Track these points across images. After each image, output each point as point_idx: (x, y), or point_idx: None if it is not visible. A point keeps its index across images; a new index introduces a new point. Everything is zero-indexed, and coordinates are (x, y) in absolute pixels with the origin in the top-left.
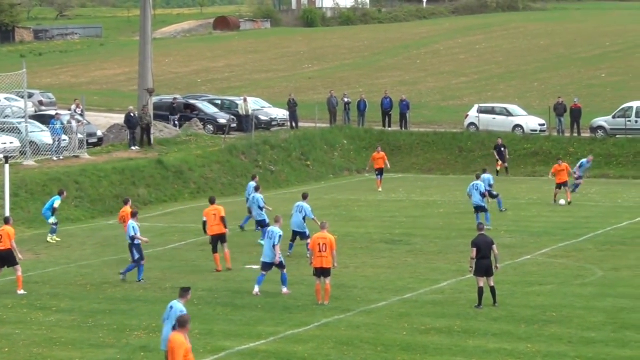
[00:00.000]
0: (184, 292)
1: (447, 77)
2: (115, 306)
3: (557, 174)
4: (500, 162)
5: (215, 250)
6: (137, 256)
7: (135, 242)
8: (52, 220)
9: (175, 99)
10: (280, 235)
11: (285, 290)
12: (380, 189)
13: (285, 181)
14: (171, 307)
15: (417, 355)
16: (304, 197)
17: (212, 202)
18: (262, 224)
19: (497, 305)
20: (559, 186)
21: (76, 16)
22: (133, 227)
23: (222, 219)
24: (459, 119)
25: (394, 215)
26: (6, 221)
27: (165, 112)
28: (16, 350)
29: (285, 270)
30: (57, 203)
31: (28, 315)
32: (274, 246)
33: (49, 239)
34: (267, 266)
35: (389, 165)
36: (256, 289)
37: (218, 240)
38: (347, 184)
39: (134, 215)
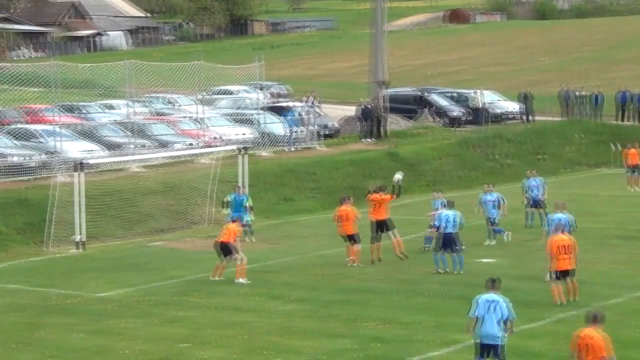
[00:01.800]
0: (496, 282)
1: None
2: (348, 297)
3: None
4: None
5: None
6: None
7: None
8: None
9: (423, 91)
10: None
11: None
12: (633, 189)
13: (517, 174)
14: (492, 301)
15: None
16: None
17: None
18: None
19: None
20: None
21: (309, 9)
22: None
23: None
24: None
25: (629, 210)
26: (233, 220)
27: (412, 105)
28: (253, 337)
29: None
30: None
31: (262, 303)
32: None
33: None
34: None
35: None
36: None
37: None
38: (583, 178)
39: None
